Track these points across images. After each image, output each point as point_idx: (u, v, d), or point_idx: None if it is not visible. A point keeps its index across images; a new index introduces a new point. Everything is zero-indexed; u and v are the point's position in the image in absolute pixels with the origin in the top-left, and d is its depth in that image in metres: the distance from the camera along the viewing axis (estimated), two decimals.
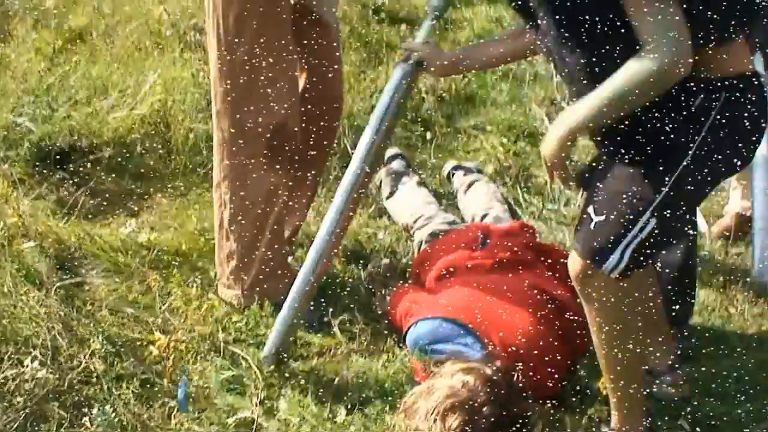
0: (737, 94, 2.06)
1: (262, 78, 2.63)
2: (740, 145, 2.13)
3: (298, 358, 2.64)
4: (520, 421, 2.22)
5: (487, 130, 4.53)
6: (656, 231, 2.07)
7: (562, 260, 2.62)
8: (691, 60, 1.93)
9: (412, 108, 4.55)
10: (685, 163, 2.05)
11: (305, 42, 2.79)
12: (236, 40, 2.61)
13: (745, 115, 2.07)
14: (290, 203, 2.89)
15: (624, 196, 2.08)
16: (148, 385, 2.45)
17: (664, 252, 2.48)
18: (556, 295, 2.63)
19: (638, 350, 2.23)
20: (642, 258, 2.11)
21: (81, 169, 3.60)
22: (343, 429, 2.33)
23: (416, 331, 2.56)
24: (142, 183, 3.66)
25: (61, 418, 2.29)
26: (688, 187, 2.08)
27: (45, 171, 3.51)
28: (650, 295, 2.45)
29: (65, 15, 5.11)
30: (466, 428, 2.14)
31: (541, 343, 2.47)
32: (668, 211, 2.07)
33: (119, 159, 3.70)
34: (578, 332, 2.50)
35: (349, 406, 2.41)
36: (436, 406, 2.17)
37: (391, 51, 5.03)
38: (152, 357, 2.51)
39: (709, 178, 2.11)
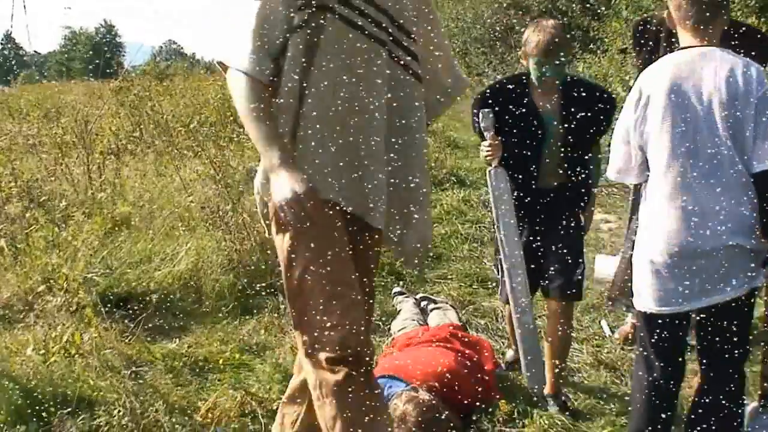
0: None
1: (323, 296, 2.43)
2: None
3: None
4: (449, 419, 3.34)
5: (448, 278, 5.76)
6: None
7: (478, 342, 3.88)
8: None
9: (388, 263, 5.81)
10: None
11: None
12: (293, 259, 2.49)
13: None
14: None
15: None
16: None
17: None
18: (468, 354, 3.80)
19: None
20: None
21: (135, 309, 4.75)
22: None
23: None
24: (181, 319, 4.82)
25: None
26: None
27: (108, 311, 4.63)
28: None
29: (111, 206, 6.47)
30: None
31: (449, 380, 3.54)
32: None
33: (163, 303, 4.88)
34: (484, 377, 3.70)
35: None
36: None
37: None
38: (198, 417, 3.58)
39: None
